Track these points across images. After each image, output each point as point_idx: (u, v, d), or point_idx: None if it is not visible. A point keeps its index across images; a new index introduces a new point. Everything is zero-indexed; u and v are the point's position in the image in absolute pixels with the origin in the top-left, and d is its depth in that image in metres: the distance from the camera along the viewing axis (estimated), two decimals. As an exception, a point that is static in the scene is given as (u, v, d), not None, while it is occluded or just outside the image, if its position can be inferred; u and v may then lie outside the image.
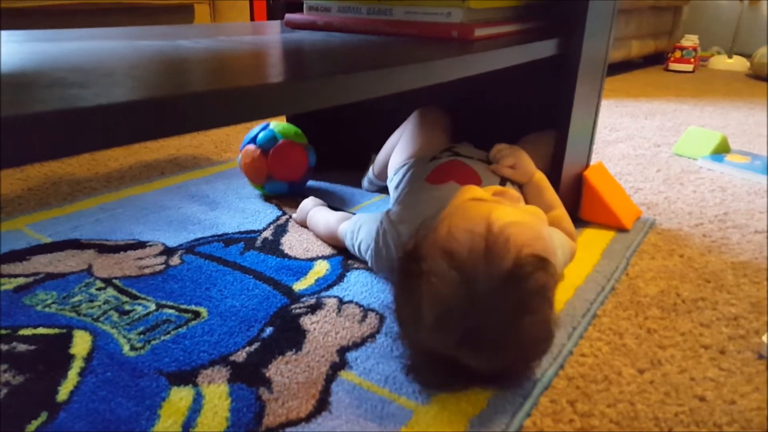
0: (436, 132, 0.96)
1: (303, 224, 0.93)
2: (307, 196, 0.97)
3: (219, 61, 0.48)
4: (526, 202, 0.78)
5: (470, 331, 0.51)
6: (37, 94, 0.29)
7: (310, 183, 1.13)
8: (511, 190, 0.67)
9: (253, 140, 1.01)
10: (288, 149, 1.00)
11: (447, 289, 0.51)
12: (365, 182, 1.11)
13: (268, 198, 1.05)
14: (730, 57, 3.13)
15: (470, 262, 0.51)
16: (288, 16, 0.87)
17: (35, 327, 0.64)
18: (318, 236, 0.89)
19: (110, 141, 0.25)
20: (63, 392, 0.54)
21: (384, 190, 1.08)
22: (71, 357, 0.59)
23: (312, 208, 0.92)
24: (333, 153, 1.20)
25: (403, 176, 0.86)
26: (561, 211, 0.80)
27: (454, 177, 0.77)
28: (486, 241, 0.52)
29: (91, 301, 0.69)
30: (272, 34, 0.78)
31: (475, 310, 0.51)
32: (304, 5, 0.85)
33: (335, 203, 1.01)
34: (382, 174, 1.00)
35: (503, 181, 0.78)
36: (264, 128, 1.02)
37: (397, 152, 0.94)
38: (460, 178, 0.77)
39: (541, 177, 0.81)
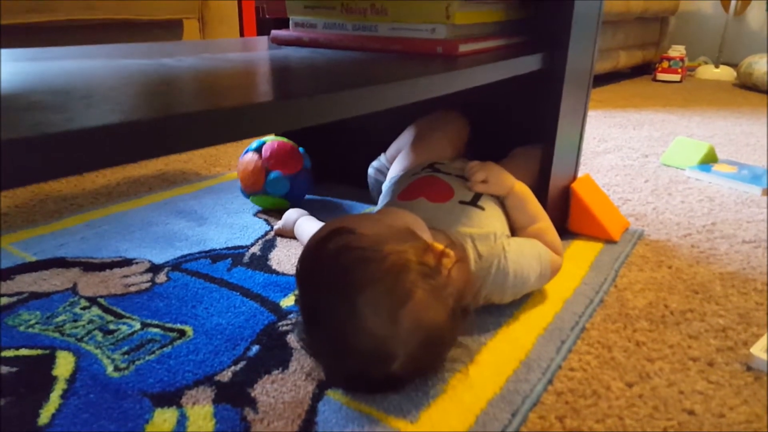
0: (442, 141, 0.94)
1: (285, 234, 0.94)
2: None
3: (200, 81, 0.48)
4: (509, 215, 0.78)
5: (316, 312, 0.55)
6: (9, 119, 0.29)
7: (307, 197, 1.12)
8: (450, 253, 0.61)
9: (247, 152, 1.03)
10: (280, 144, 1.03)
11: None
12: (372, 170, 1.06)
13: (256, 213, 1.04)
14: (716, 67, 3.17)
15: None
16: (274, 32, 0.87)
17: (17, 348, 0.63)
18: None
19: (78, 167, 0.25)
20: (44, 415, 0.53)
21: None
22: (54, 379, 0.58)
23: (299, 218, 0.92)
24: (329, 167, 1.19)
25: (388, 190, 0.86)
26: (545, 224, 0.79)
27: (423, 193, 0.77)
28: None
29: (75, 320, 0.68)
30: (258, 51, 0.78)
31: (313, 294, 0.56)
32: (290, 21, 0.85)
33: (330, 217, 1.00)
34: (393, 159, 0.98)
35: (477, 195, 0.77)
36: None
37: (397, 162, 0.93)
38: (430, 193, 0.77)
39: (522, 189, 0.79)
